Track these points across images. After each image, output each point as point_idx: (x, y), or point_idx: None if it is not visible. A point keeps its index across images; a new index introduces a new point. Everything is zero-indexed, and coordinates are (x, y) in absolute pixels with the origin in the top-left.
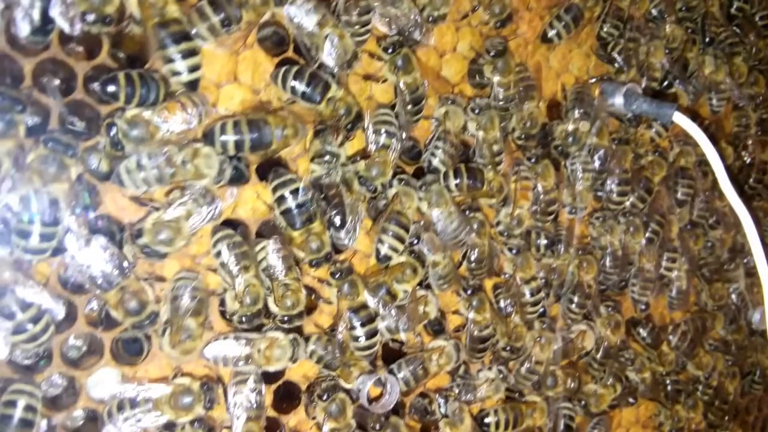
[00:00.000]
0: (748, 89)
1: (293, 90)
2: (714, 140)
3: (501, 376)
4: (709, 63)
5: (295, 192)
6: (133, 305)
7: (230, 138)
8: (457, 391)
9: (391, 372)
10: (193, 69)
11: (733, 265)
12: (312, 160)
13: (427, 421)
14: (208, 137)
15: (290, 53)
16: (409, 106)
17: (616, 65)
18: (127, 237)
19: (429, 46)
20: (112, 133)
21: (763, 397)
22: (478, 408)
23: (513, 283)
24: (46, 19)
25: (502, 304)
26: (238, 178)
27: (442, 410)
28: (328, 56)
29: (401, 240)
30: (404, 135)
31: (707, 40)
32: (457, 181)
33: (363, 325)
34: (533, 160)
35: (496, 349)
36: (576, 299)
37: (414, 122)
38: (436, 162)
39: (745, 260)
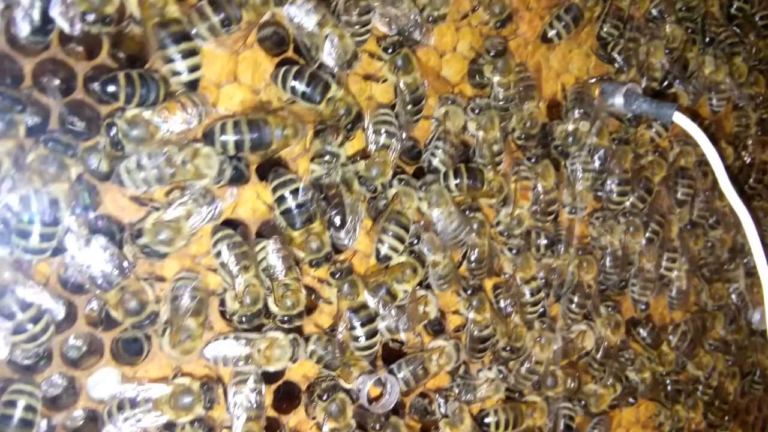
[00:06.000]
0: (748, 89)
1: (293, 90)
2: (714, 140)
3: (501, 376)
4: (709, 63)
5: (295, 192)
6: (133, 305)
7: (230, 138)
8: (457, 391)
9: (391, 372)
10: (193, 69)
11: (733, 265)
12: (312, 160)
13: (427, 421)
14: (208, 137)
15: (290, 53)
16: (409, 106)
17: (616, 65)
18: (127, 237)
19: (429, 46)
20: (112, 133)
21: (763, 397)
22: (478, 408)
23: (513, 283)
24: (46, 19)
25: (502, 304)
26: (238, 178)
27: (442, 410)
28: (328, 56)
29: (401, 240)
30: (404, 135)
31: (707, 40)
32: (457, 181)
33: (363, 325)
34: (533, 160)
35: (496, 349)
36: (576, 299)
37: (414, 122)
38: (436, 162)
39: (745, 260)
